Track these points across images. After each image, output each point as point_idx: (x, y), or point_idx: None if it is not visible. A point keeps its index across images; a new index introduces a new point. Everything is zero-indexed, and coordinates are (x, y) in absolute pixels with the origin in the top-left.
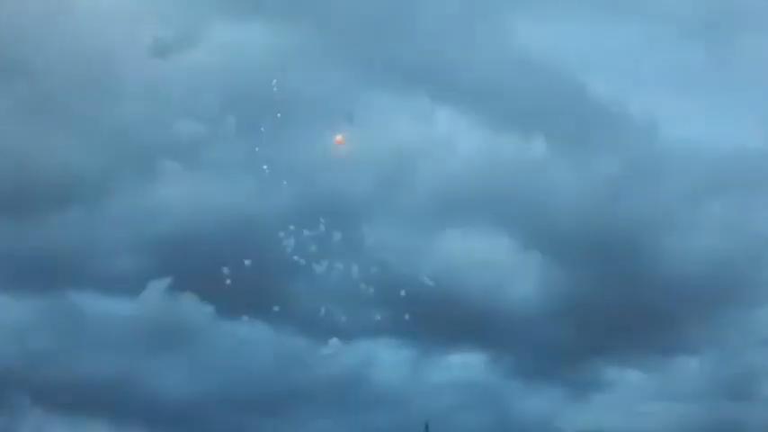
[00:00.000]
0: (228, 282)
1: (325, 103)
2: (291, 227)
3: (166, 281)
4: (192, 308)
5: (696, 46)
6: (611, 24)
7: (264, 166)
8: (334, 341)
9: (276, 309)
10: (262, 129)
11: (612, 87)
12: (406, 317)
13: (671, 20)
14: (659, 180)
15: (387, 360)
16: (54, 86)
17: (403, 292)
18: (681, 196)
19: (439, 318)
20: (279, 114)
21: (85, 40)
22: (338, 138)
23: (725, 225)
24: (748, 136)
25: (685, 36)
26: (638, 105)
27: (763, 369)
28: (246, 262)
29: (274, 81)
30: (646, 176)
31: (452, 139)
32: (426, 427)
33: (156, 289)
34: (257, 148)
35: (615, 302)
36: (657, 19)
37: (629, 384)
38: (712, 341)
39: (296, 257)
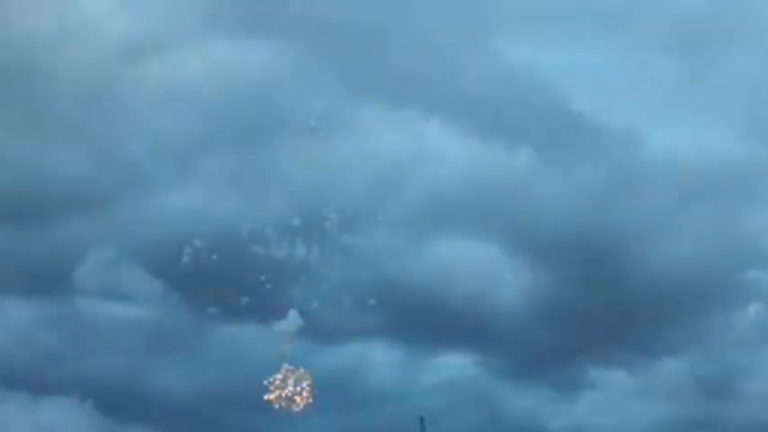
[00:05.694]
0: (228, 287)
1: (318, 115)
2: (287, 236)
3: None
4: (187, 311)
5: (676, 60)
6: (595, 40)
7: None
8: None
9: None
10: (256, 140)
11: (596, 100)
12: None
13: (651, 35)
14: (641, 188)
15: (379, 361)
16: (54, 100)
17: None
18: (662, 204)
19: (429, 320)
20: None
21: (83, 55)
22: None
23: (704, 231)
24: (727, 146)
25: (665, 51)
26: (620, 117)
27: (742, 369)
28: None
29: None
30: (628, 185)
31: (441, 150)
32: (422, 420)
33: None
34: (252, 159)
35: (600, 305)
36: (638, 34)
37: (613, 384)
38: (694, 342)
39: (290, 261)
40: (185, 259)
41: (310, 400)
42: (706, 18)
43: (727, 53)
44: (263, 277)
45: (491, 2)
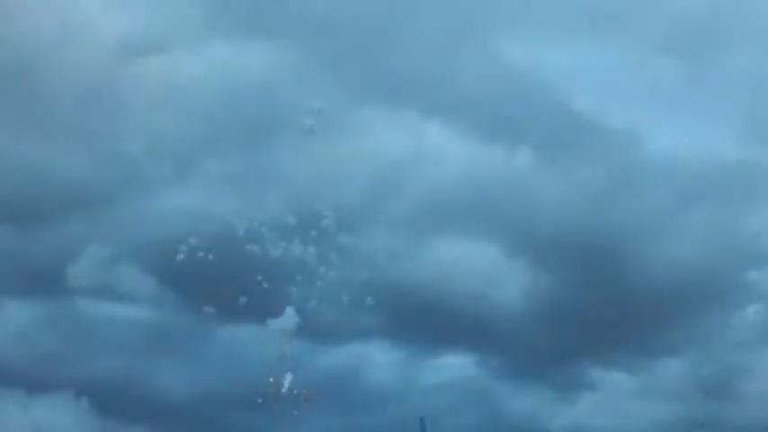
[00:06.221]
0: (227, 287)
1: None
2: (287, 236)
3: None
4: (185, 311)
5: (676, 60)
6: (594, 41)
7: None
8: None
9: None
10: (255, 140)
11: (595, 100)
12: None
13: (651, 35)
14: (641, 188)
15: (379, 361)
16: (54, 100)
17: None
18: (661, 204)
19: (429, 320)
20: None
21: (83, 55)
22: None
23: (704, 231)
24: (725, 146)
25: (665, 51)
26: (619, 118)
27: (742, 369)
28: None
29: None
30: (627, 185)
31: (441, 150)
32: (422, 421)
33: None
34: (252, 159)
35: (600, 306)
36: (638, 35)
37: (613, 384)
38: (694, 342)
39: (290, 261)
40: (184, 259)
41: (309, 401)
42: (706, 18)
43: (727, 53)
44: (262, 277)
45: (491, 2)
